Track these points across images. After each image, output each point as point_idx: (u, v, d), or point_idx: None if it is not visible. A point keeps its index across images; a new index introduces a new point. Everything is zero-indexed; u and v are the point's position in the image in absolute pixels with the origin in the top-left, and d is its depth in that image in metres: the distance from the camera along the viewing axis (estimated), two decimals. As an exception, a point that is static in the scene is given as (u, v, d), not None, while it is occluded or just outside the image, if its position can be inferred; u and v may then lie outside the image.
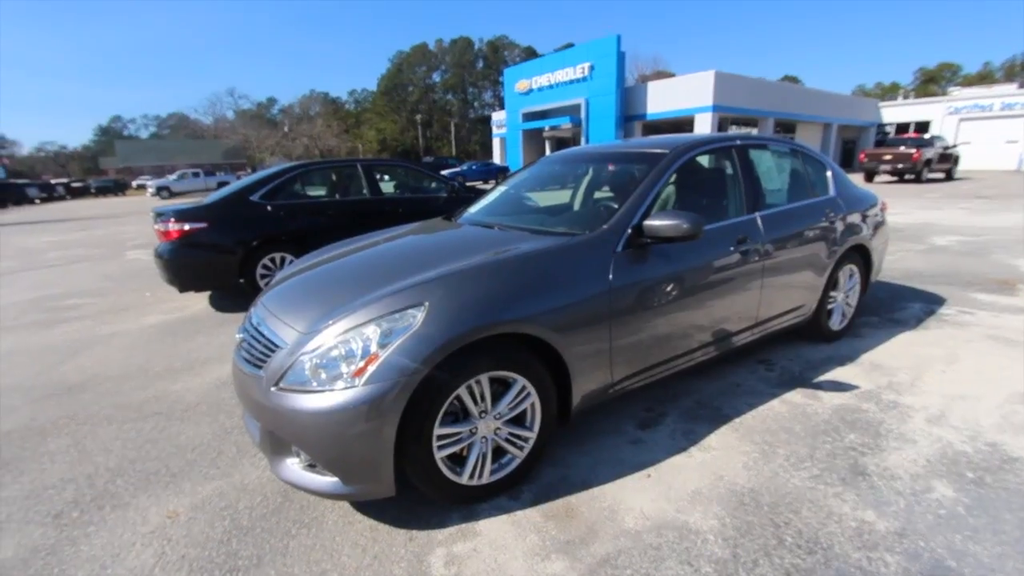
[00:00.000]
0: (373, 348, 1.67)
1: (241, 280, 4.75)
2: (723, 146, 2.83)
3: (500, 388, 1.93)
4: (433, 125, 75.74)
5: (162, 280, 4.87)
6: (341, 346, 1.70)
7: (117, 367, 3.55)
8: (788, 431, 2.43)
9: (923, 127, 30.52)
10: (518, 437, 2.01)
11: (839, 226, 3.25)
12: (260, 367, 1.87)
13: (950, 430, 2.41)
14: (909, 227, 8.36)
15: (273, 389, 1.75)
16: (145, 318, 4.73)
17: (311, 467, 1.78)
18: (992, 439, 2.32)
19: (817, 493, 1.99)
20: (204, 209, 4.71)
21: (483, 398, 1.87)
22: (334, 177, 5.49)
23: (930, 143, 18.43)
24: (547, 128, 31.44)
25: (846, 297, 3.52)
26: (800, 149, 3.36)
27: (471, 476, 1.90)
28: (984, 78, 60.56)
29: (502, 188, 3.35)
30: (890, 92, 62.82)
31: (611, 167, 2.99)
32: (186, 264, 4.60)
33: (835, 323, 3.48)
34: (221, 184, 31.23)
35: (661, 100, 25.47)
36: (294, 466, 1.81)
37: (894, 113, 33.90)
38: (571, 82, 27.59)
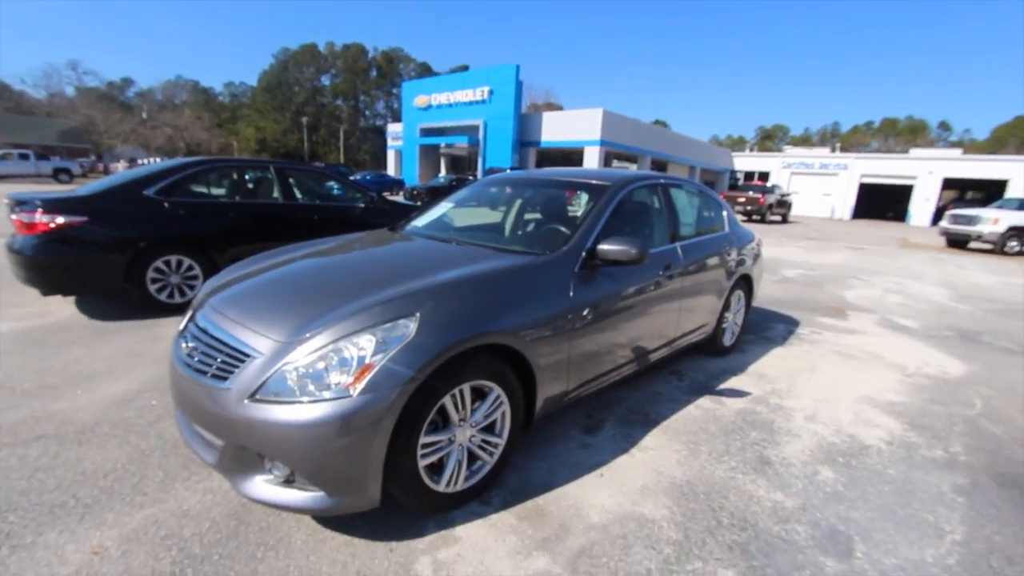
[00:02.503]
0: (368, 357, 1.66)
1: (126, 285, 4.17)
2: (652, 183, 3.23)
3: (475, 397, 2.01)
4: (320, 130, 71.99)
5: (16, 279, 4.10)
6: (333, 355, 1.66)
7: (-35, 384, 2.92)
8: (705, 431, 2.82)
9: (765, 176, 36.29)
10: (489, 444, 2.09)
11: (733, 257, 3.84)
12: (224, 378, 1.74)
13: (821, 426, 2.97)
14: (765, 261, 9.90)
15: (247, 401, 1.64)
16: (-11, 326, 3.92)
17: (287, 483, 1.69)
18: (851, 432, 2.92)
19: (737, 481, 2.35)
20: (85, 200, 4.06)
21: (464, 406, 1.93)
22: (243, 177, 5.07)
23: (772, 190, 22.01)
24: (443, 145, 31.74)
25: (735, 318, 4.14)
26: (704, 191, 3.92)
27: (448, 484, 1.94)
28: (805, 140, 73.98)
29: (447, 204, 3.42)
30: (738, 144, 73.66)
31: (564, 193, 3.23)
32: (57, 263, 3.92)
33: (727, 340, 4.07)
34: (58, 170, 26.51)
35: (554, 130, 27.15)
36: (266, 483, 1.70)
37: (743, 162, 39.86)
38: (470, 103, 28.27)
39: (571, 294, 2.32)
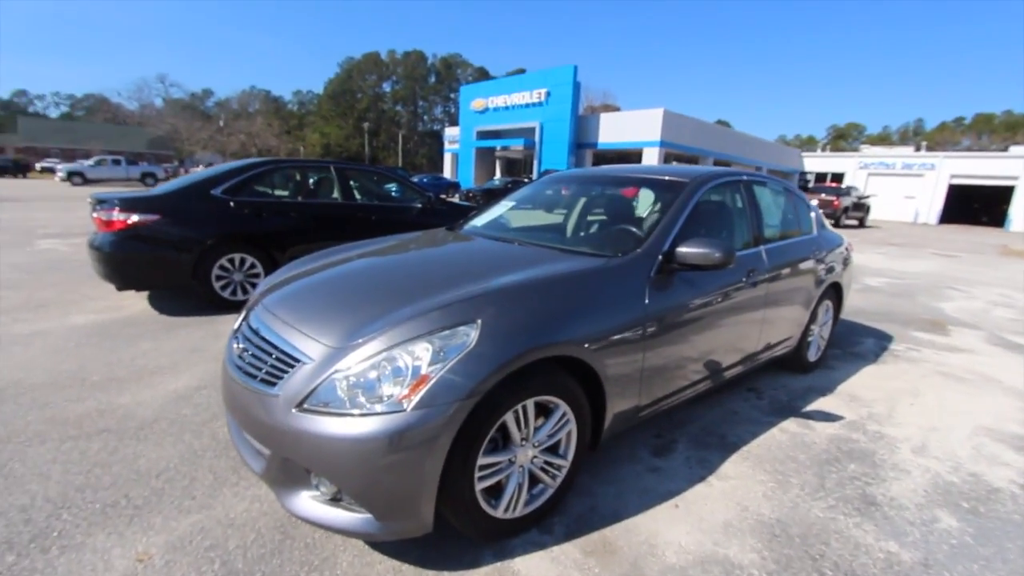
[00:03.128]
0: (424, 368, 1.49)
1: (194, 281, 4.29)
2: (733, 180, 2.91)
3: (539, 413, 1.80)
4: (380, 134, 74.61)
5: (96, 275, 4.30)
6: (386, 364, 1.51)
7: (43, 373, 3.04)
8: (794, 460, 2.47)
9: (838, 178, 33.92)
10: (552, 465, 1.88)
11: (823, 264, 3.43)
12: (273, 383, 1.63)
13: (934, 461, 2.55)
14: (841, 267, 9.10)
15: (294, 411, 1.52)
16: (71, 317, 4.13)
17: (334, 501, 1.56)
18: (972, 470, 2.48)
19: (839, 524, 2.01)
20: (157, 199, 4.23)
21: (527, 424, 1.74)
22: (305, 178, 5.15)
23: (847, 192, 20.47)
24: (499, 148, 31.86)
25: (821, 330, 3.71)
26: (790, 189, 3.53)
27: (506, 509, 1.75)
28: (883, 139, 68.77)
29: (507, 203, 3.25)
30: (807, 144, 69.46)
31: (634, 191, 2.98)
32: (131, 259, 4.08)
33: (812, 355, 3.65)
34: (145, 175, 28.77)
35: (612, 131, 26.56)
36: (312, 500, 1.57)
37: (814, 163, 37.46)
38: (527, 105, 28.19)
39: (646, 301, 2.07)
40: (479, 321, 1.61)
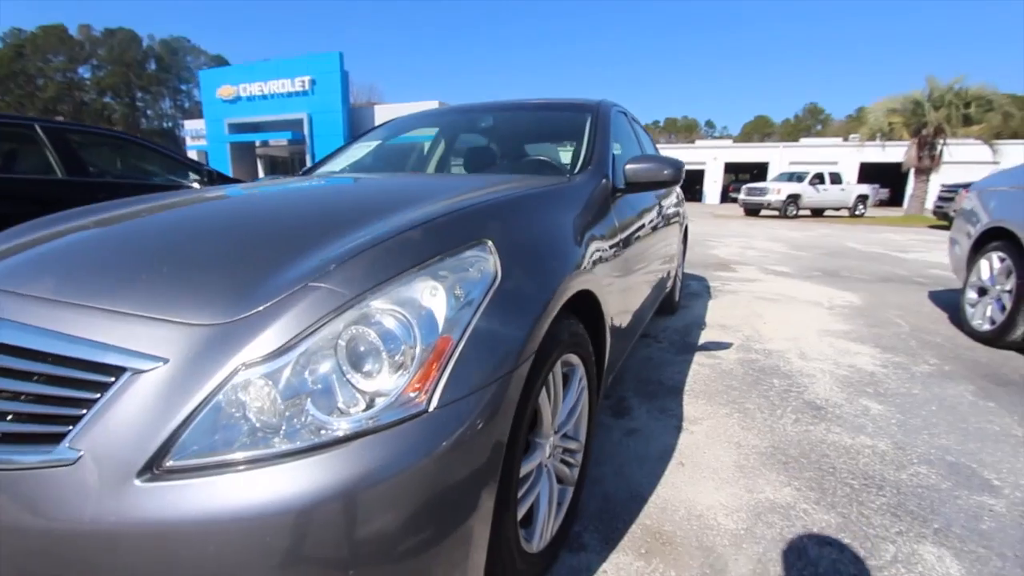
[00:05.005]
0: (441, 324, 0.79)
1: None
2: (619, 108, 2.69)
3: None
4: (85, 132, 58.27)
5: None
6: (361, 330, 0.75)
7: None
8: (733, 388, 2.42)
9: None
10: (567, 453, 1.33)
11: (678, 202, 3.56)
12: (55, 437, 0.69)
13: (820, 362, 2.80)
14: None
15: (139, 482, 0.65)
16: None
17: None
18: (847, 362, 2.80)
19: (816, 434, 1.97)
20: None
21: (555, 399, 1.15)
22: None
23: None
24: (259, 143, 28.03)
25: (678, 271, 3.90)
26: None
27: (540, 536, 1.14)
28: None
29: (371, 142, 2.45)
30: (557, 142, 79.93)
31: (543, 117, 2.50)
32: None
33: (676, 295, 3.81)
34: None
35: (390, 124, 25.71)
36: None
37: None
38: (290, 95, 25.32)
39: (615, 223, 1.67)
40: (489, 242, 0.96)
